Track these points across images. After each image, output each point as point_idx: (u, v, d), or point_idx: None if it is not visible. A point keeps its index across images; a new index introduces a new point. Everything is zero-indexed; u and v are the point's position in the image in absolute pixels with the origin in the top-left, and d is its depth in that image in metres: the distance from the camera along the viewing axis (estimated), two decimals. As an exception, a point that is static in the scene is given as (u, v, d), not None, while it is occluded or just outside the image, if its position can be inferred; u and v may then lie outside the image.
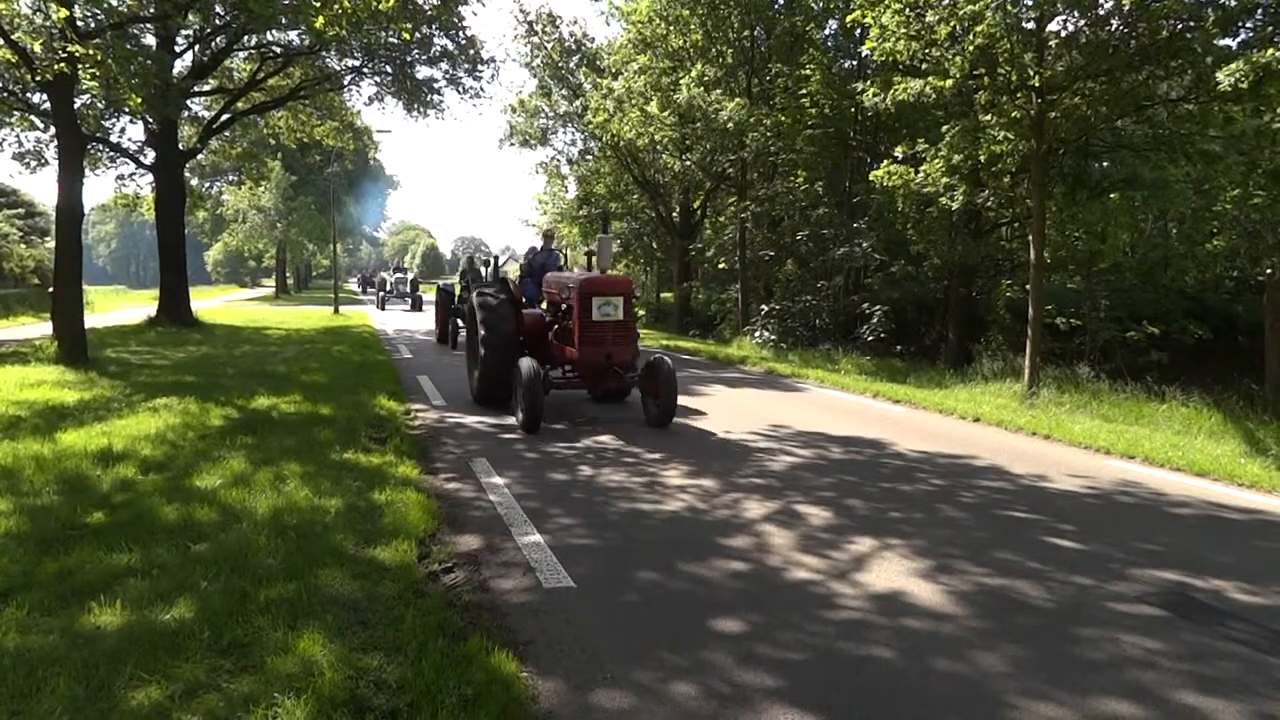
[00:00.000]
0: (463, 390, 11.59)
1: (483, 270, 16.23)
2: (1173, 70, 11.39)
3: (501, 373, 9.58)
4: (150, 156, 21.58)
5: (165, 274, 22.08)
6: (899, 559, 4.91)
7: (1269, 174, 11.31)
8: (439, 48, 22.51)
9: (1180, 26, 10.82)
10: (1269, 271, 12.10)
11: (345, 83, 23.98)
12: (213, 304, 37.70)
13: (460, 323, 16.53)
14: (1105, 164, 14.53)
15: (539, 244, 11.74)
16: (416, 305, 35.34)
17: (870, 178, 15.25)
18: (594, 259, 10.39)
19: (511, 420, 9.36)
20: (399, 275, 40.46)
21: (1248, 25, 10.61)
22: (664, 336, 24.56)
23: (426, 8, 20.58)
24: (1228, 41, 10.83)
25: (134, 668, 3.19)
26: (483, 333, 9.71)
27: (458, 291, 18.35)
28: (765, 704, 3.23)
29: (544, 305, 10.85)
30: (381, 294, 37.87)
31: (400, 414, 9.23)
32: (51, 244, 19.70)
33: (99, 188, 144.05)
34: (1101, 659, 3.67)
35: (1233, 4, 10.13)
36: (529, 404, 8.55)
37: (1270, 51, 9.04)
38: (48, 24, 11.59)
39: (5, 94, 17.16)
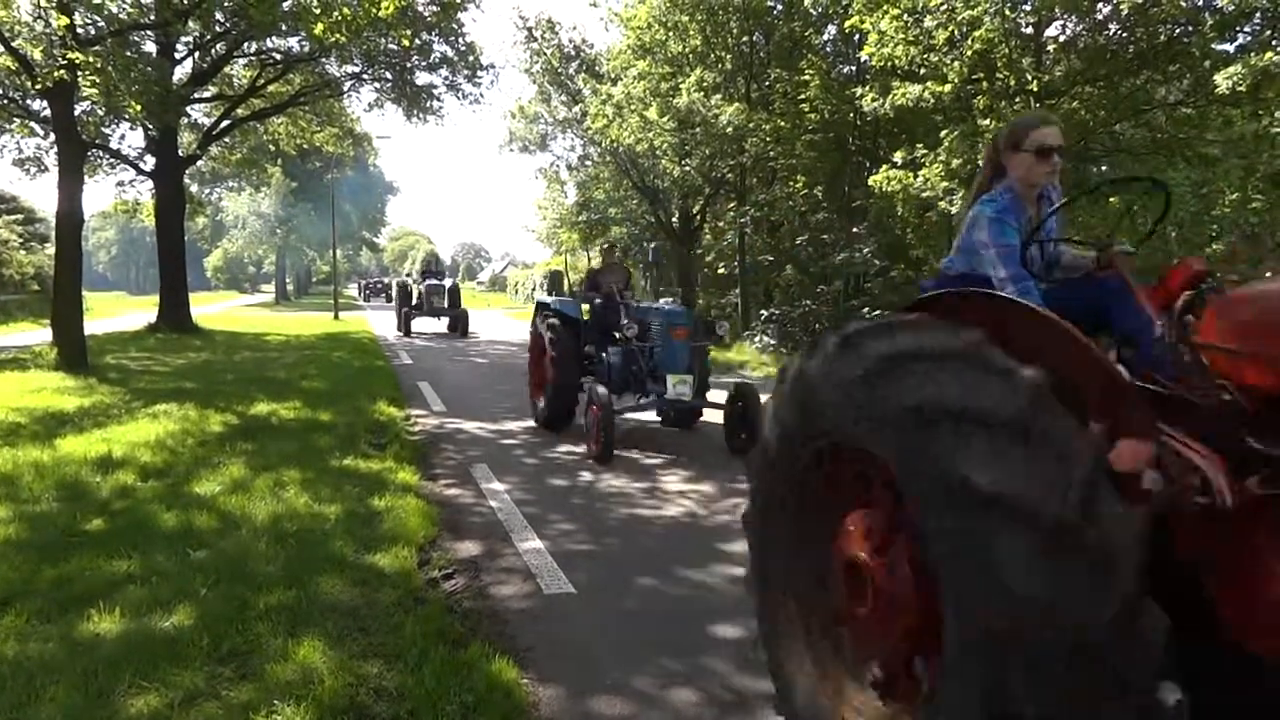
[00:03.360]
0: (462, 396, 11.54)
1: (642, 273, 10.22)
2: (1171, 74, 11.42)
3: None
4: (150, 163, 21.58)
5: (165, 280, 22.09)
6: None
7: (1268, 177, 11.32)
8: (438, 54, 22.60)
9: (1178, 31, 10.85)
10: (1268, 274, 12.12)
11: (345, 89, 24.03)
12: (213, 310, 37.69)
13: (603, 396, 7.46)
14: (1104, 168, 14.53)
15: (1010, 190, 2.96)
16: (459, 327, 23.85)
17: (870, 182, 15.26)
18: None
19: (512, 425, 9.27)
20: (431, 283, 24.68)
21: (1245, 29, 10.64)
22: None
23: (426, 14, 20.62)
24: (1226, 46, 10.85)
25: (133, 675, 3.18)
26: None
27: (583, 313, 9.08)
28: (766, 710, 3.21)
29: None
30: (406, 309, 24.24)
31: (400, 420, 9.22)
32: (51, 250, 19.70)
33: (99, 194, 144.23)
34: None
35: (1230, 8, 10.15)
36: None
37: (1268, 55, 9.06)
38: (48, 31, 11.62)
39: (5, 101, 17.17)
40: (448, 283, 25.37)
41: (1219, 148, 12.29)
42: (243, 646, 3.47)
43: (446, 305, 24.20)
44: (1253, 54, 9.43)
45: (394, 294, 29.10)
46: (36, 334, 20.65)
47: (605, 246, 10.28)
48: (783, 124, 20.21)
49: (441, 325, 24.87)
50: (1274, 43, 9.68)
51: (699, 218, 28.81)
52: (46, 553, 4.50)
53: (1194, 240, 15.59)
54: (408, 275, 31.58)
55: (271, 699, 3.05)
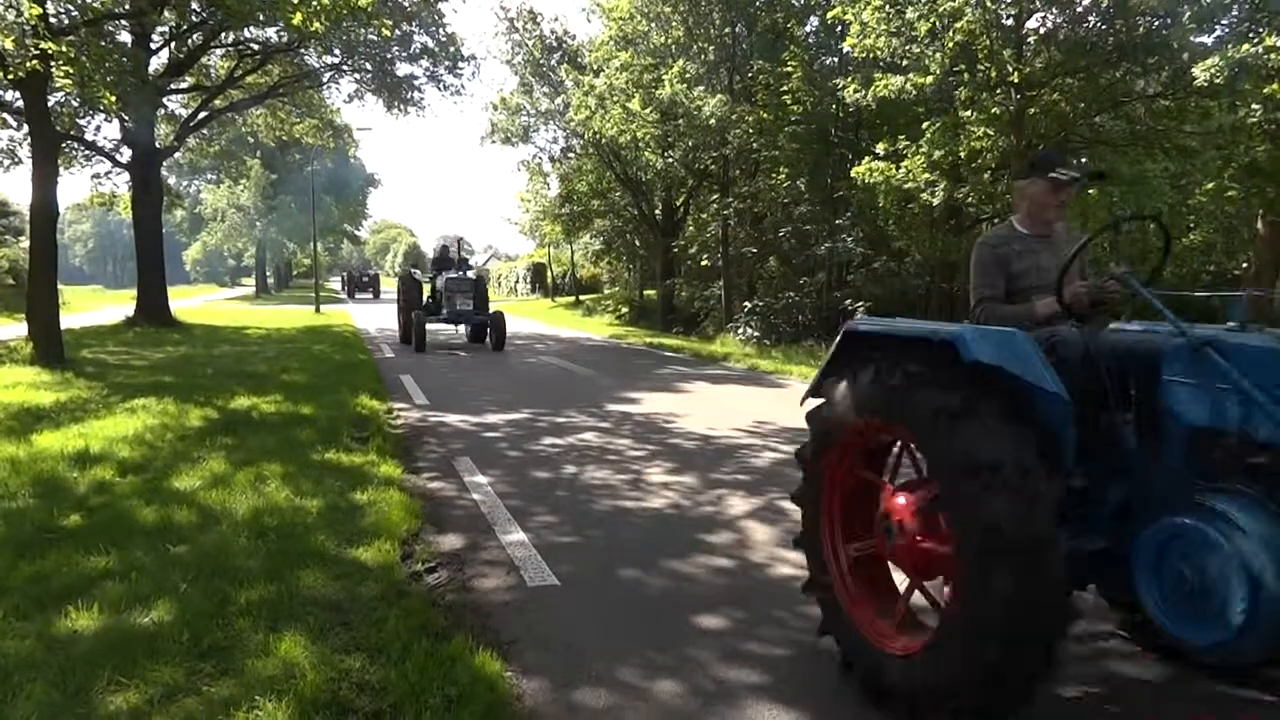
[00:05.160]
0: (445, 389, 11.51)
1: None
2: (1150, 66, 11.51)
3: None
4: (126, 154, 21.32)
5: (143, 273, 21.85)
6: (882, 553, 4.92)
7: (1244, 168, 11.42)
8: (419, 45, 22.47)
9: (1157, 23, 10.94)
10: (1244, 265, 12.27)
11: (325, 80, 23.85)
12: (192, 304, 37.31)
13: None
14: (1084, 159, 14.66)
15: None
16: (493, 336, 17.33)
17: (852, 174, 15.31)
18: None
19: (494, 418, 9.29)
20: (452, 276, 18.20)
21: (1223, 22, 10.74)
22: (648, 334, 24.56)
23: (406, 4, 20.47)
24: (1204, 38, 10.95)
25: (111, 672, 3.15)
26: None
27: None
28: (749, 700, 3.22)
29: None
30: (417, 313, 17.37)
31: (382, 413, 9.17)
32: (26, 243, 19.46)
33: (74, 186, 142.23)
34: (1081, 654, 3.70)
35: (1208, 1, 10.24)
36: None
37: (1245, 47, 9.14)
38: (20, 20, 11.41)
39: (-23, 92, 16.89)
40: (473, 271, 19.06)
41: (1197, 139, 12.41)
42: (223, 642, 3.44)
43: (472, 308, 17.80)
44: (1230, 46, 9.52)
45: (397, 293, 20.85)
46: (11, 328, 20.35)
47: (1068, 176, 3.44)
48: (765, 116, 20.22)
49: (453, 331, 19.23)
50: (1251, 35, 9.75)
51: (682, 209, 28.82)
52: (23, 549, 4.44)
53: (1171, 231, 15.77)
54: (414, 268, 24.98)
55: (252, 694, 3.03)
